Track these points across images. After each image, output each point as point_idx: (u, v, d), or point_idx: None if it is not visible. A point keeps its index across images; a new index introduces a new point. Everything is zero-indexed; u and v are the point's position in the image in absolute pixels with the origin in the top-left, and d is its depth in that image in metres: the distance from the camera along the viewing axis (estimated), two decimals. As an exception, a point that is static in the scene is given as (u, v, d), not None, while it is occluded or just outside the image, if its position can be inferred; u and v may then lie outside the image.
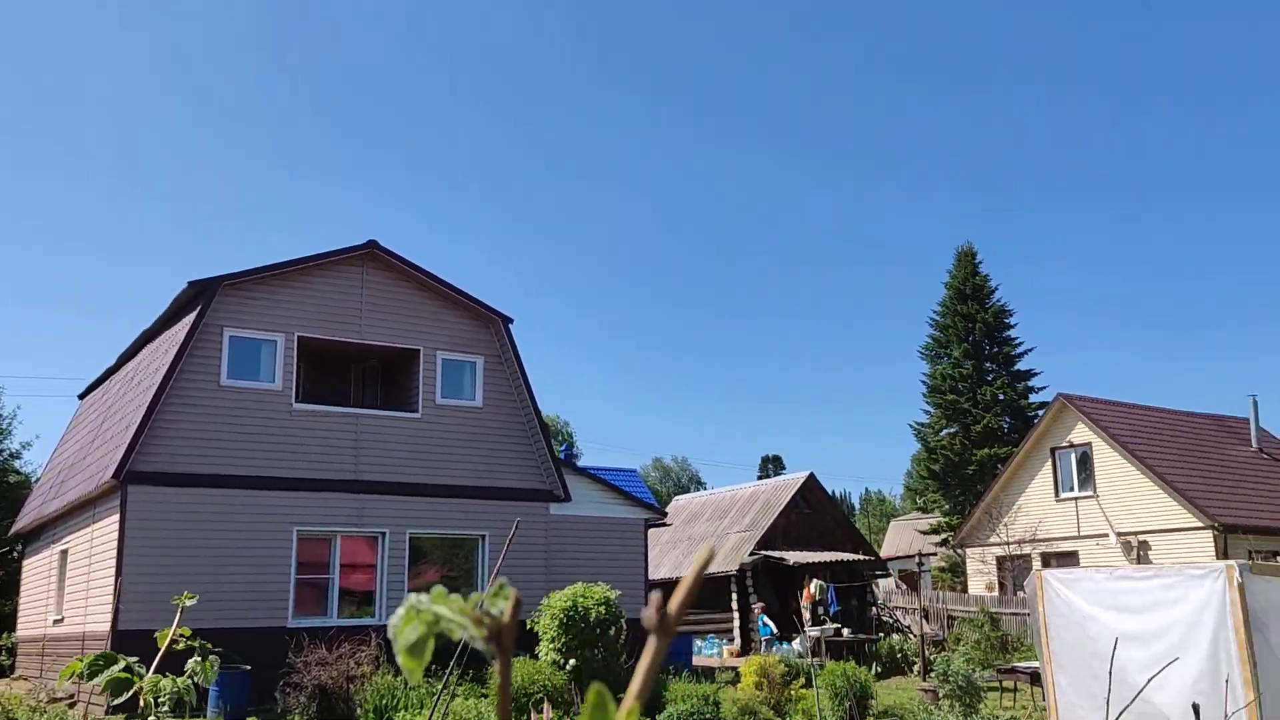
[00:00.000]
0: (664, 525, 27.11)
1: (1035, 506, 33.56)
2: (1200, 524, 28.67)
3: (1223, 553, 27.52)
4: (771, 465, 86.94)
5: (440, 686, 15.97)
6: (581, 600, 16.77)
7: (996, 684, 20.53)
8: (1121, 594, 8.57)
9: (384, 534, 20.14)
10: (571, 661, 16.20)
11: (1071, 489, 32.99)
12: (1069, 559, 31.43)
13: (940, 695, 18.17)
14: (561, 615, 16.44)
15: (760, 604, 27.67)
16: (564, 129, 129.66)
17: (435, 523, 20.71)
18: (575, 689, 14.55)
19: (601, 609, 16.80)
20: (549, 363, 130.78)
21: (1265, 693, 7.38)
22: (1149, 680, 5.52)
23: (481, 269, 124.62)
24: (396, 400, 21.96)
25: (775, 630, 27.37)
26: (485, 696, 15.50)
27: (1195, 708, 3.96)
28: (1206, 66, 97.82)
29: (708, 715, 15.01)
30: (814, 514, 32.32)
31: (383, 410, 21.42)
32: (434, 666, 17.35)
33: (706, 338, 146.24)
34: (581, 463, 42.96)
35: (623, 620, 17.40)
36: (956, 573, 41.27)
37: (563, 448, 40.44)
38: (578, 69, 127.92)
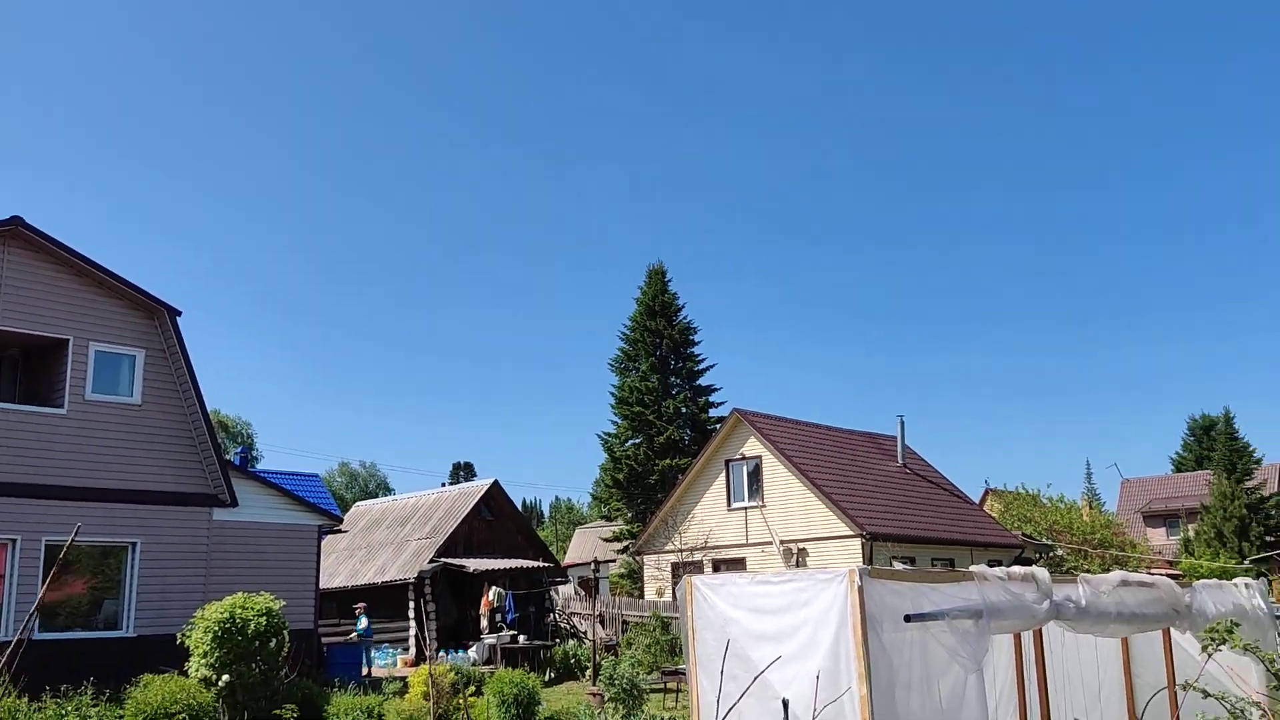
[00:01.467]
0: (340, 532, 26.14)
1: (709, 515, 35.36)
2: (851, 532, 31.25)
3: (868, 559, 30.11)
4: (463, 472, 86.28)
5: (70, 707, 14.47)
6: (240, 612, 15.79)
7: (661, 686, 21.35)
8: (761, 597, 9.12)
9: (14, 540, 18.08)
10: (225, 677, 15.19)
11: (743, 499, 35.01)
12: (737, 565, 33.32)
13: (606, 698, 18.66)
14: (216, 628, 15.39)
15: (361, 605, 26.35)
16: (287, 119, 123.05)
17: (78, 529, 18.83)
18: (224, 707, 13.65)
19: (262, 621, 15.90)
20: (234, 361, 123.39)
21: (876, 687, 8.08)
22: (766, 668, 5.87)
23: (174, 263, 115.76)
24: (39, 394, 19.83)
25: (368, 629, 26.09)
26: (122, 718, 14.23)
27: (785, 703, 4.23)
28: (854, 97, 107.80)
29: (371, 727, 14.56)
30: (497, 521, 32.34)
31: (21, 405, 19.28)
32: (65, 686, 15.76)
33: (408, 342, 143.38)
34: (264, 466, 40.74)
35: (286, 632, 16.57)
36: (635, 579, 42.70)
37: (239, 450, 38.10)
38: (293, 49, 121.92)
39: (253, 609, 15.97)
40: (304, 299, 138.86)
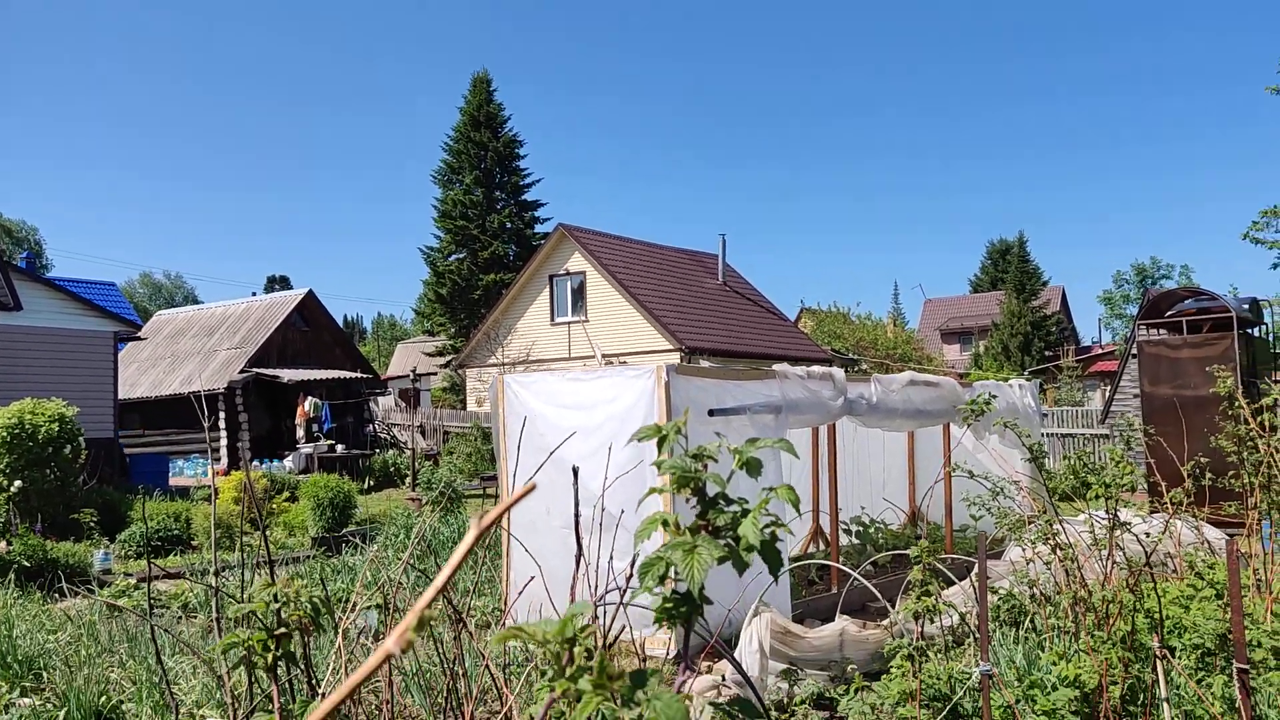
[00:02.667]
0: (139, 339, 24.96)
1: (532, 330, 35.55)
2: (670, 346, 32.08)
3: (684, 372, 31.10)
4: (278, 286, 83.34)
5: None
6: (30, 417, 15.01)
7: (480, 491, 21.78)
8: (571, 394, 9.28)
9: None
10: (17, 483, 14.54)
11: (566, 314, 35.27)
12: (558, 378, 33.81)
13: (424, 502, 18.92)
14: (4, 434, 14.61)
15: (304, 395, 25.95)
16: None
17: None
18: (16, 512, 13.13)
19: (54, 427, 15.18)
20: (23, 163, 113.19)
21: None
22: (562, 443, 6.01)
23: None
24: None
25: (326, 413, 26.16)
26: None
27: (575, 470, 4.34)
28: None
29: (177, 532, 14.34)
30: (312, 332, 31.55)
31: None
32: None
33: (221, 139, 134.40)
34: (56, 274, 38.13)
35: (82, 439, 15.91)
36: (458, 392, 42.89)
37: (24, 255, 35.45)
38: None
39: (43, 415, 15.20)
40: (114, 95, 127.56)
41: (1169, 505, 7.76)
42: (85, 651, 7.13)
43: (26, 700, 6.50)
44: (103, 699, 6.10)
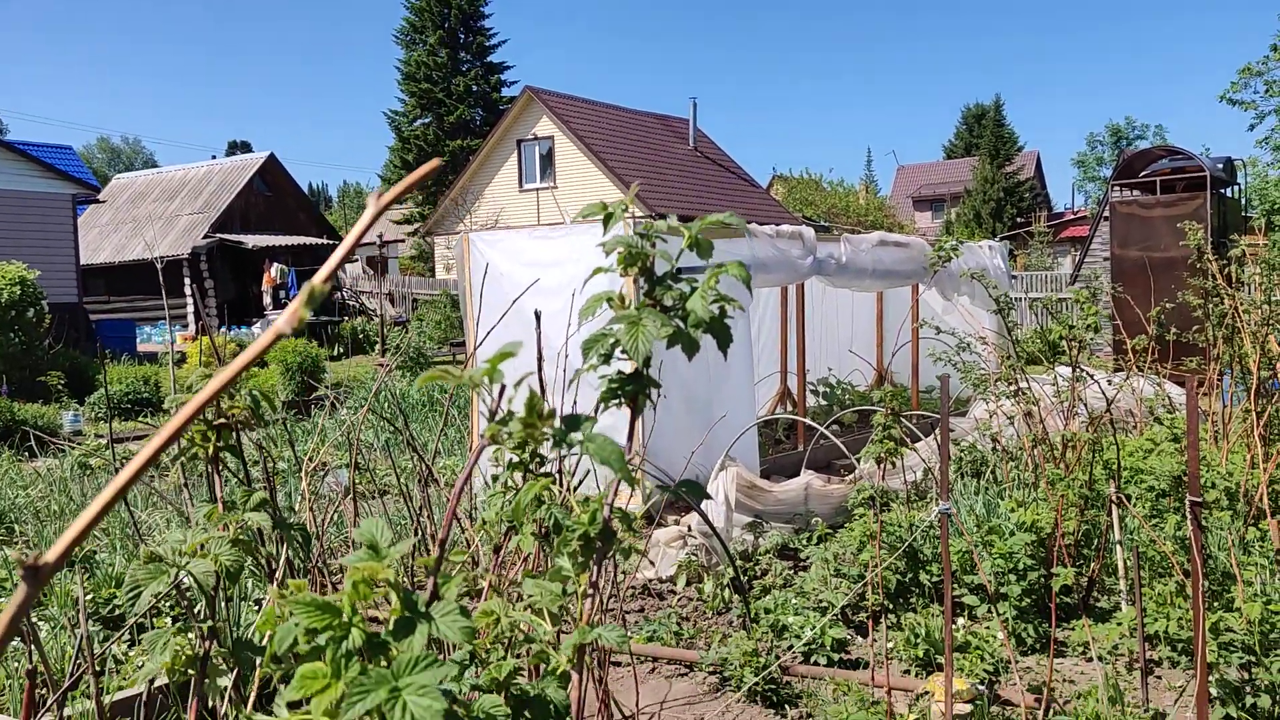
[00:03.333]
0: (98, 202, 24.38)
1: (500, 196, 35.02)
2: (641, 213, 31.77)
3: (655, 238, 30.89)
4: (239, 151, 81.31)
5: None
6: (-11, 280, 14.74)
7: (450, 358, 21.79)
8: (536, 251, 9.18)
9: None
10: (-20, 348, 14.37)
11: (534, 180, 34.72)
12: (527, 245, 33.51)
13: (393, 367, 18.92)
14: (-37, 297, 14.37)
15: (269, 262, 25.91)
16: None
17: None
18: (-21, 374, 13.02)
19: (15, 290, 14.92)
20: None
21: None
22: (522, 293, 5.96)
23: None
24: None
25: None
26: None
27: (536, 313, 4.31)
28: None
29: (146, 395, 14.30)
30: (276, 197, 30.93)
31: None
32: None
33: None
34: (10, 138, 36.92)
35: (45, 303, 15.68)
36: (426, 260, 42.46)
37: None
38: None
39: (4, 278, 14.92)
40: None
41: (1132, 361, 7.86)
42: (57, 506, 7.15)
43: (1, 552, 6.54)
44: (76, 549, 6.15)
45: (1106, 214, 17.18)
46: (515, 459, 1.36)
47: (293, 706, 1.21)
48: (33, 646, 3.53)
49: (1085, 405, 6.33)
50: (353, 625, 0.90)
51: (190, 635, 1.39)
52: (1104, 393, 5.72)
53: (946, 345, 7.22)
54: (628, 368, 1.88)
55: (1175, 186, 15.46)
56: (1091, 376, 5.84)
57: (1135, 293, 10.81)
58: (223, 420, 1.64)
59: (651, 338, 1.67)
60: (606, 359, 1.70)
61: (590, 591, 1.39)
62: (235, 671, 1.63)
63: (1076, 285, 20.68)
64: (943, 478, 3.94)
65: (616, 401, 1.73)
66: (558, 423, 1.35)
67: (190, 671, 1.37)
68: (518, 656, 1.26)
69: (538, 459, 1.40)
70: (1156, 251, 14.30)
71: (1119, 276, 14.65)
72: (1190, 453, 3.30)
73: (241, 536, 1.36)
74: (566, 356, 5.09)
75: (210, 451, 1.66)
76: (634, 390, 1.70)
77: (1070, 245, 40.97)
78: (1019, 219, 45.13)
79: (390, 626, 0.92)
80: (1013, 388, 5.74)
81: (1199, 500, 3.29)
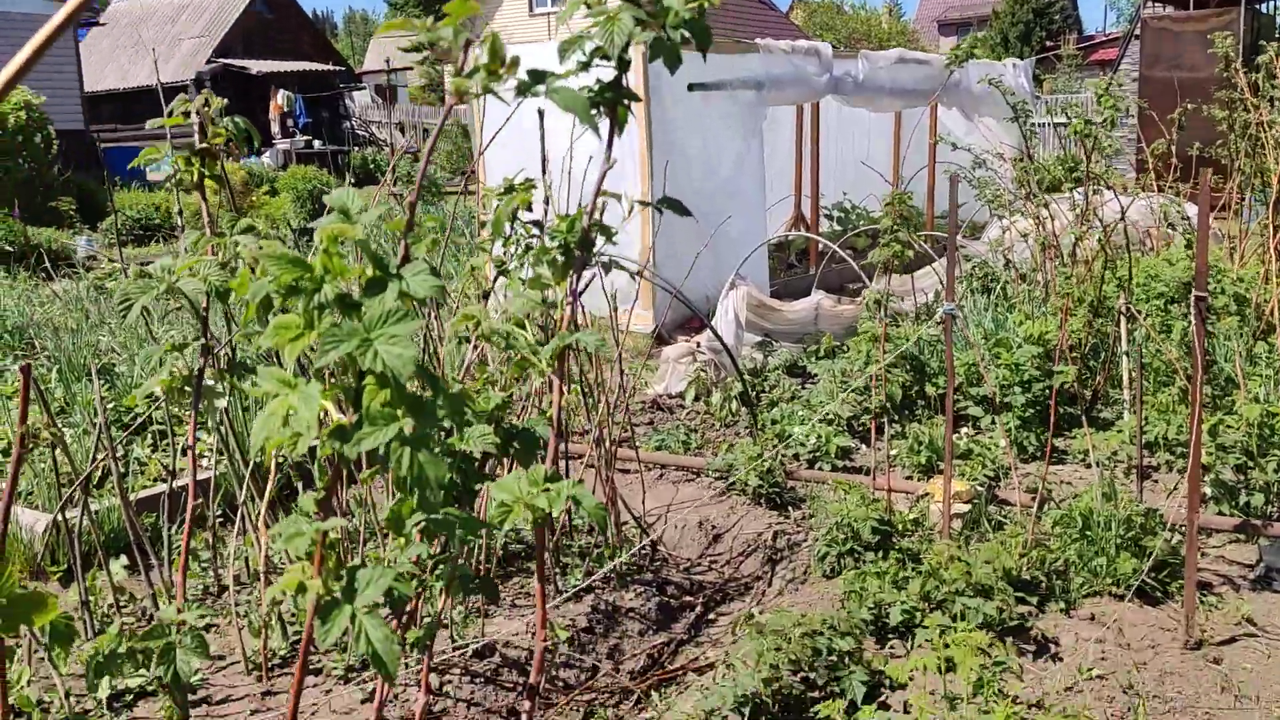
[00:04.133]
0: (98, 25, 23.76)
1: (511, 24, 33.99)
2: (654, 38, 30.75)
3: (669, 64, 30.08)
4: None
5: None
6: (-8, 105, 14.52)
7: (461, 189, 21.58)
8: (543, 62, 8.93)
9: None
10: (-11, 175, 14.31)
11: (546, 4, 33.62)
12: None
13: (404, 196, 18.77)
14: (-32, 122, 14.20)
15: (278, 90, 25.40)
16: None
17: None
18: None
19: (21, 114, 14.73)
20: None
21: (657, 154, 8.34)
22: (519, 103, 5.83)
23: None
24: None
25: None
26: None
27: (541, 112, 4.24)
28: None
29: (157, 221, 14.29)
30: (279, 20, 30.05)
31: None
32: None
33: None
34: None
35: (51, 129, 15.50)
36: (435, 89, 41.53)
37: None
38: None
39: (9, 102, 14.70)
40: None
41: (1152, 175, 7.70)
42: (74, 323, 7.24)
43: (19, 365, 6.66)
44: (94, 361, 6.25)
45: (1137, 33, 16.53)
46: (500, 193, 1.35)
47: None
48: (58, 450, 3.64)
49: (1101, 221, 6.25)
50: (325, 281, 0.91)
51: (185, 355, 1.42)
52: (1120, 205, 5.63)
53: (963, 165, 7.08)
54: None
55: (1209, 1, 14.84)
56: (1110, 188, 5.74)
57: (1162, 114, 10.52)
58: (205, 147, 1.63)
59: (626, 30, 1.63)
60: (585, 66, 1.66)
61: (569, 300, 1.41)
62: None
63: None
64: (949, 278, 3.93)
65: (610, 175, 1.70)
66: (523, 73, 1.33)
67: (187, 388, 1.40)
68: (505, 391, 1.29)
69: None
70: (1185, 71, 13.83)
71: (1146, 99, 14.21)
72: (1199, 247, 3.27)
73: (230, 263, 1.38)
74: (571, 166, 5.02)
75: (195, 177, 1.66)
76: (613, 99, 1.67)
77: (1099, 69, 39.59)
78: (1048, 43, 43.52)
79: (362, 285, 0.94)
80: (1027, 203, 5.66)
81: (1204, 295, 3.28)
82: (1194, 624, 3.63)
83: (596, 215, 1.39)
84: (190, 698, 3.33)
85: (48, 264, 9.87)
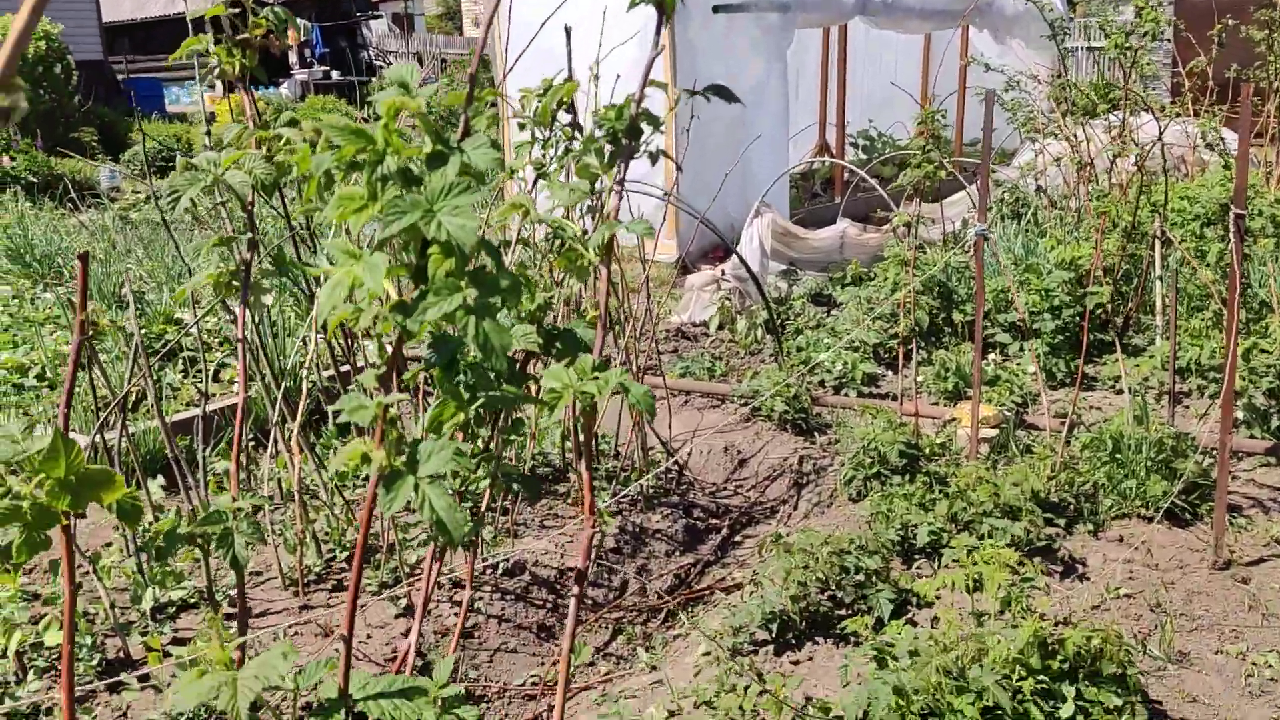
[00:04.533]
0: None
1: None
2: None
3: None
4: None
5: None
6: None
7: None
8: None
9: None
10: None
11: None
12: None
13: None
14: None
15: None
16: None
17: None
18: (15, 126, 13.00)
19: (41, 44, 14.65)
20: None
21: (680, 77, 8.21)
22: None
23: None
24: None
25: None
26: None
27: (568, 29, 4.18)
28: None
29: (179, 151, 14.26)
30: (298, -51, 29.56)
31: None
32: None
33: None
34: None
35: (70, 59, 15.42)
36: (453, 18, 40.99)
37: None
38: None
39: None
40: None
41: (1189, 103, 7.53)
42: (102, 253, 7.28)
43: (49, 294, 6.71)
44: (124, 289, 6.29)
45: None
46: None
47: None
48: (94, 371, 3.67)
49: (1136, 144, 6.13)
50: (387, 152, 0.91)
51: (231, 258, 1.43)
52: (1159, 126, 5.52)
53: (994, 89, 6.95)
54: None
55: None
56: (1148, 109, 5.62)
57: (1199, 37, 10.26)
58: (245, 37, 1.62)
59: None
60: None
61: (616, 189, 1.40)
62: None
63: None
64: (981, 197, 3.88)
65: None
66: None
67: (235, 282, 1.41)
68: (547, 293, 1.28)
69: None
70: (1225, -7, 13.45)
71: (1183, 20, 13.86)
72: (1240, 163, 3.21)
73: (277, 157, 1.37)
74: (596, 81, 4.95)
75: (236, 69, 1.65)
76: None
77: (1133, -5, 38.60)
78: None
79: (423, 159, 0.94)
80: (1062, 124, 5.56)
81: (1243, 213, 3.22)
82: (1223, 545, 3.63)
83: (643, 105, 1.37)
84: (230, 609, 3.40)
85: (73, 194, 9.89)
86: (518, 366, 1.38)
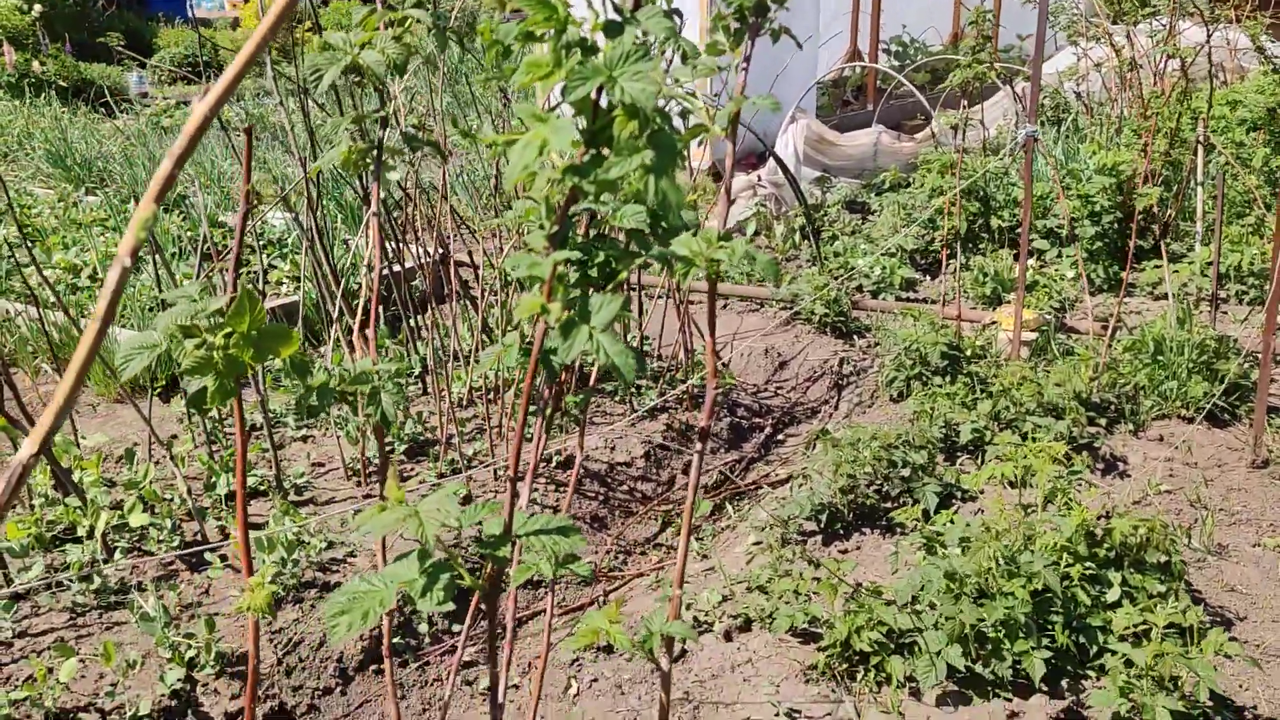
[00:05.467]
0: None
1: None
2: None
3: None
4: None
5: None
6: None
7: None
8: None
9: None
10: (37, 7, 14.17)
11: None
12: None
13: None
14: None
15: None
16: None
17: None
18: (43, 32, 12.94)
19: (61, -53, 14.48)
20: None
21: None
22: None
23: None
24: None
25: None
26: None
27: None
28: None
29: (205, 58, 14.13)
30: None
31: None
32: None
33: None
34: None
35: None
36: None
37: None
38: None
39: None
40: None
41: (1232, 10, 7.40)
42: (139, 157, 7.32)
43: (92, 197, 6.79)
44: (173, 190, 6.36)
45: None
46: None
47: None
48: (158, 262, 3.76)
49: (1179, 52, 6.05)
50: (568, 22, 0.97)
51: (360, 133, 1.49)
52: (1208, 31, 5.44)
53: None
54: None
55: None
56: (1196, 9, 5.53)
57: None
58: None
59: None
60: None
61: (744, 66, 1.44)
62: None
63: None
64: (1033, 96, 3.87)
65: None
66: None
67: (367, 160, 1.47)
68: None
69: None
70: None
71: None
72: (1302, 63, 3.18)
73: (405, 38, 1.42)
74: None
75: None
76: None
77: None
78: None
79: (602, 28, 1.00)
80: (1107, 25, 5.48)
81: (1303, 113, 3.21)
82: (1262, 444, 3.70)
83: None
84: (297, 498, 3.54)
85: (108, 99, 9.89)
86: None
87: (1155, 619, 2.52)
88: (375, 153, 1.48)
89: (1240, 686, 2.70)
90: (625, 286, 1.55)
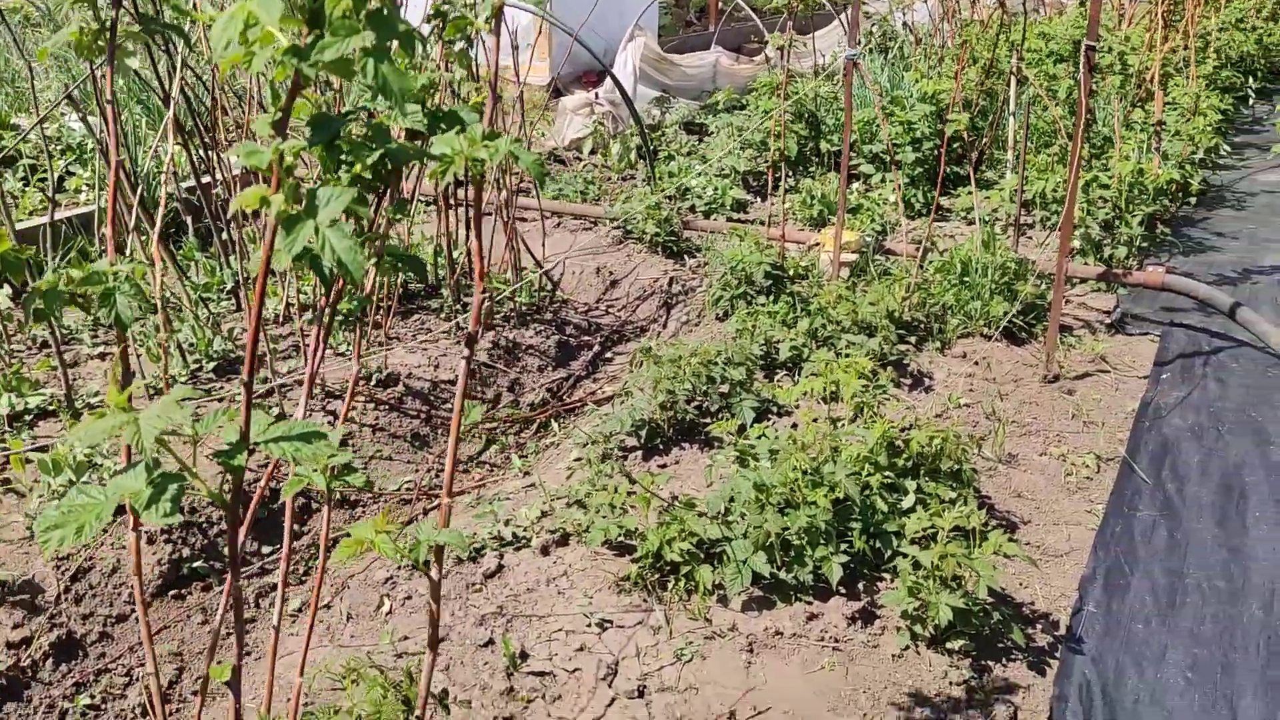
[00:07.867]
0: None
1: None
2: None
3: None
4: None
5: None
6: None
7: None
8: None
9: None
10: None
11: None
12: None
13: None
14: None
15: None
16: None
17: None
18: None
19: None
20: None
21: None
22: None
23: None
24: None
25: None
26: None
27: None
28: None
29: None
30: None
31: None
32: None
33: None
34: None
35: None
36: None
37: None
38: None
39: None
40: None
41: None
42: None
43: None
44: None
45: None
46: None
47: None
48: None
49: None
50: None
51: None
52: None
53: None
54: None
55: None
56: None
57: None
58: None
59: None
60: None
61: None
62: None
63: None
64: (854, 20, 3.92)
65: None
66: None
67: (100, 42, 1.35)
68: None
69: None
70: None
71: None
72: (1093, 7, 3.33)
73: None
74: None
75: None
76: None
77: None
78: None
79: None
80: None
81: (1094, 45, 3.37)
82: (1053, 360, 3.94)
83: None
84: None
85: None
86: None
87: (942, 523, 2.66)
88: (109, 34, 1.37)
89: (1020, 585, 2.89)
90: (398, 191, 1.50)
